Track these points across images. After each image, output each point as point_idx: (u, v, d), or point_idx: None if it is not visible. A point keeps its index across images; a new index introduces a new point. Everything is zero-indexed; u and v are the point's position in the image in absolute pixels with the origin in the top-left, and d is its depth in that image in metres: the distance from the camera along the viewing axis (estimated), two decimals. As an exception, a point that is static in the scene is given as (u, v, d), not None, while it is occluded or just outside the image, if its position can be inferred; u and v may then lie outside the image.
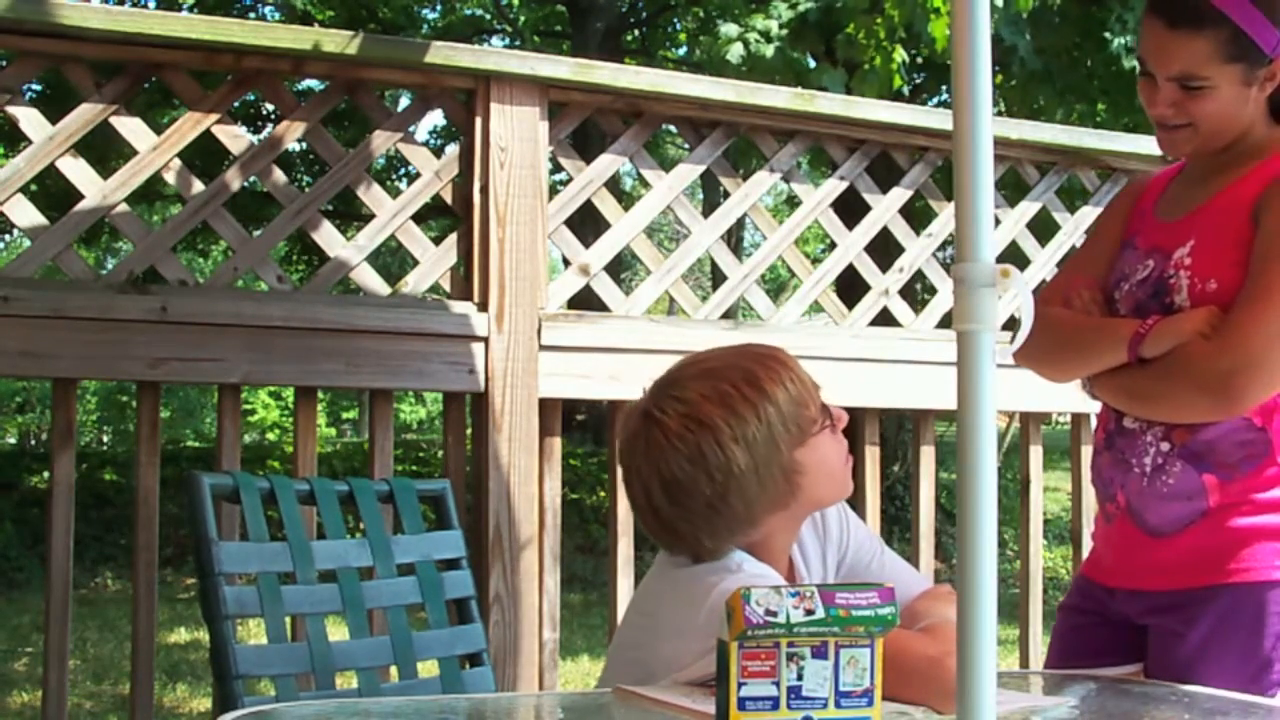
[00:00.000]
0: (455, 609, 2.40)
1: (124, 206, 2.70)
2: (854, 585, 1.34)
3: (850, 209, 3.42)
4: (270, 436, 22.19)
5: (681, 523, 1.69)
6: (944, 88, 11.65)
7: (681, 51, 17.06)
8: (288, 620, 2.27)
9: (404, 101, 3.37)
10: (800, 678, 1.31)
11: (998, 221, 3.48)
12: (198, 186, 2.77)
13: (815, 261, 3.45)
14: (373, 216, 2.92)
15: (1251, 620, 1.84)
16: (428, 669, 2.35)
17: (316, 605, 2.22)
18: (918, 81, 11.27)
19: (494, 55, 3.11)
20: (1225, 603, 1.85)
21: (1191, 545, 1.88)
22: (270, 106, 11.39)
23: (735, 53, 7.89)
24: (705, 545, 1.70)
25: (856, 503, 3.38)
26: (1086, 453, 3.50)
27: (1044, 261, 3.61)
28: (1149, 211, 2.06)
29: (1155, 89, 1.92)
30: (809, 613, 1.29)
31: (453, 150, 3.04)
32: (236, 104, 2.86)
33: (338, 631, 2.30)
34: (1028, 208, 3.63)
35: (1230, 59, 1.87)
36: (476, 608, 2.41)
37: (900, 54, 6.91)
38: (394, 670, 2.31)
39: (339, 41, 2.82)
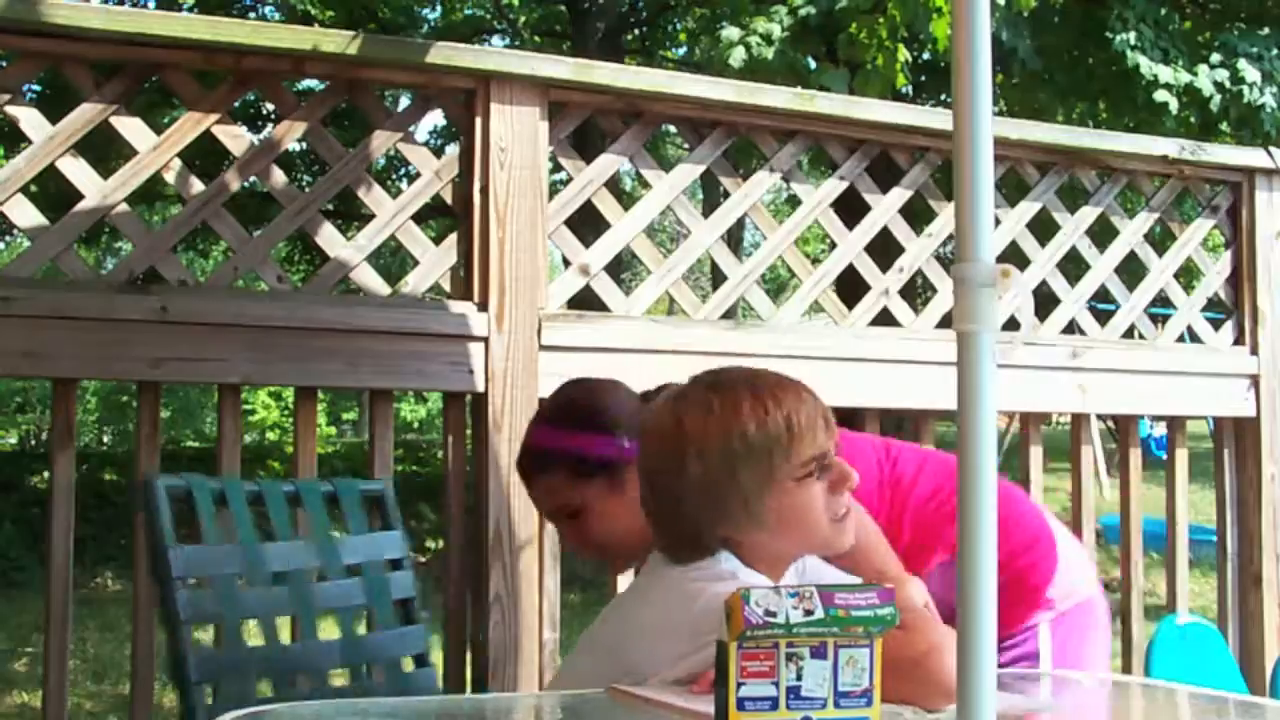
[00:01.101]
0: (401, 610, 2.41)
1: (124, 207, 2.70)
2: (853, 586, 1.34)
3: (850, 209, 3.42)
4: (270, 437, 22.21)
5: (655, 516, 1.75)
6: (946, 88, 11.65)
7: (682, 51, 17.05)
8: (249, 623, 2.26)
9: (404, 102, 3.36)
10: (799, 678, 1.31)
11: (998, 222, 3.48)
12: (198, 186, 2.77)
13: (815, 261, 3.45)
14: (373, 216, 2.92)
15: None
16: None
17: (270, 608, 2.21)
18: (920, 81, 11.27)
19: (494, 55, 3.11)
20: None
21: None
22: (270, 106, 11.39)
23: (737, 56, 7.89)
24: (684, 547, 1.73)
25: (856, 503, 3.38)
26: (1087, 453, 3.51)
27: (1044, 261, 3.61)
28: None
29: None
30: (808, 613, 1.29)
31: (453, 150, 3.04)
32: (237, 104, 2.86)
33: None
34: (1028, 208, 3.63)
35: (582, 481, 2.04)
36: (417, 608, 2.44)
37: (903, 53, 6.90)
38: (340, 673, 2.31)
39: (339, 42, 2.82)
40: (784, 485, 1.69)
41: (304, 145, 3.05)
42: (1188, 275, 3.95)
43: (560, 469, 2.05)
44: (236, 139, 2.80)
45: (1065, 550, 2.21)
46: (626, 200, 3.62)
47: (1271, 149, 3.93)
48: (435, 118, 15.21)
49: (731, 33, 8.07)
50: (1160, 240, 3.93)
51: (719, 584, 1.61)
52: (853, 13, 7.21)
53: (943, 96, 11.80)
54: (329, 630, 2.38)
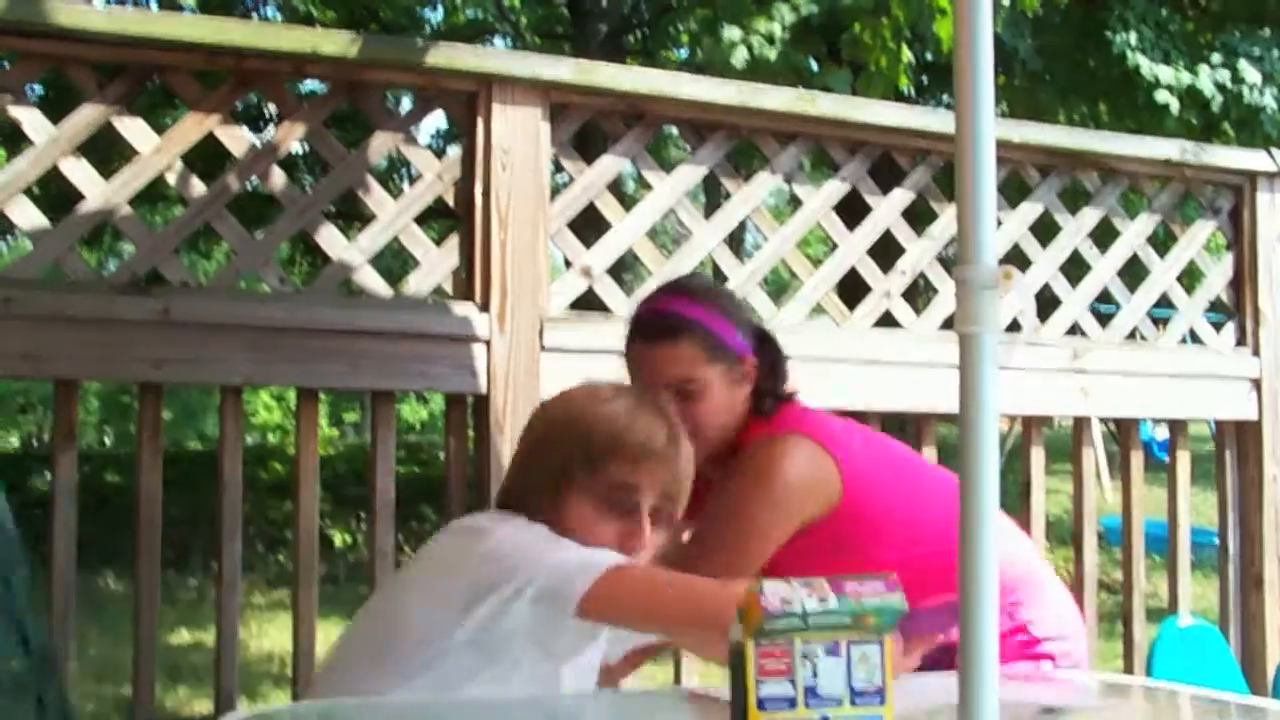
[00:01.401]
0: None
1: (126, 208, 2.70)
2: (859, 576, 1.34)
3: (852, 211, 3.42)
4: (272, 439, 22.19)
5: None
6: (950, 89, 11.64)
7: (683, 53, 17.04)
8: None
9: (406, 103, 3.36)
10: (815, 676, 1.31)
11: (999, 223, 3.47)
12: (200, 188, 2.77)
13: (817, 263, 3.44)
14: (375, 218, 2.92)
15: None
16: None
17: None
18: (923, 82, 11.26)
19: (496, 57, 3.11)
20: None
21: None
22: (272, 108, 11.38)
23: (739, 57, 7.88)
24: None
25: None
26: (1088, 456, 3.50)
27: (1046, 263, 3.61)
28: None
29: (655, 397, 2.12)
30: (822, 601, 1.29)
31: (454, 152, 3.04)
32: (238, 105, 2.86)
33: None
34: (1030, 209, 3.63)
35: (710, 361, 2.10)
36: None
37: (907, 54, 6.89)
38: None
39: (341, 43, 2.82)
40: (581, 495, 1.80)
41: (306, 147, 3.04)
42: (1189, 277, 3.95)
43: (696, 342, 2.07)
44: (238, 140, 2.80)
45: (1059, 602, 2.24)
46: (628, 202, 3.62)
47: (1273, 151, 3.93)
48: (437, 119, 15.22)
49: (733, 33, 8.06)
50: (1162, 242, 3.92)
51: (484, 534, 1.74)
52: (855, 13, 7.19)
53: (945, 97, 11.80)
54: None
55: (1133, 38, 8.13)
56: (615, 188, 3.52)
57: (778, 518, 2.09)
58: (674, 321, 2.10)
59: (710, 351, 2.09)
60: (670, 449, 1.82)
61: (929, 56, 8.86)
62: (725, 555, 2.06)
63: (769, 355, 2.23)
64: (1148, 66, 8.06)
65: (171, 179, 2.76)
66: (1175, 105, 8.03)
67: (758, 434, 2.16)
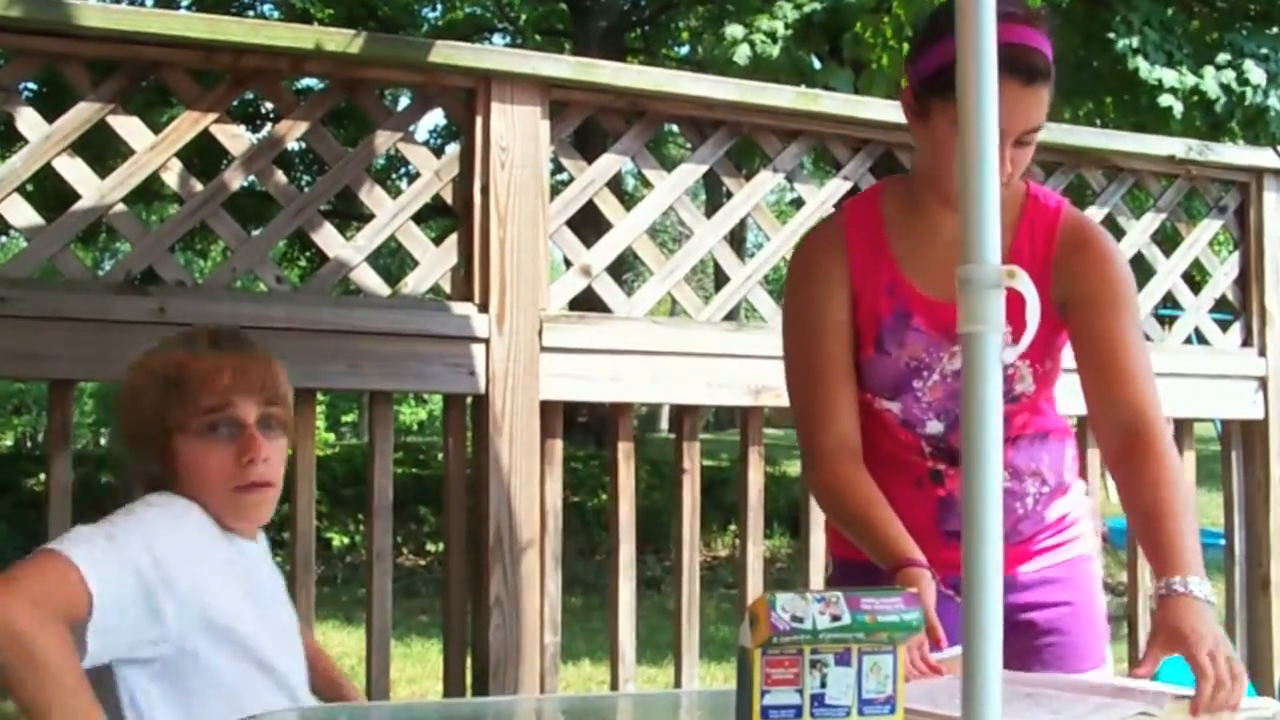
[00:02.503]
0: None
1: (121, 206, 2.69)
2: (878, 591, 1.32)
3: (854, 209, 3.40)
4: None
5: None
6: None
7: (684, 50, 17.06)
8: None
9: (404, 101, 3.34)
10: (823, 685, 1.29)
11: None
12: (196, 186, 2.75)
13: (818, 262, 3.42)
14: (373, 217, 2.90)
15: (1094, 585, 2.11)
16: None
17: None
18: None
19: (495, 54, 3.09)
20: (1073, 577, 2.08)
21: (1034, 539, 2.07)
22: (269, 106, 11.38)
23: (742, 54, 7.88)
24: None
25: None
26: (1093, 456, 3.48)
27: (1049, 262, 3.59)
28: (900, 281, 1.97)
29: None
30: (835, 618, 1.27)
31: (453, 150, 3.02)
32: (235, 103, 2.85)
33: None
34: (1033, 208, 3.61)
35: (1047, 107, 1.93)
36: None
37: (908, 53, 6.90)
38: None
39: (339, 40, 2.80)
40: (186, 434, 1.78)
41: (303, 144, 3.03)
42: (1195, 276, 3.93)
43: (1050, 88, 1.91)
44: (235, 138, 2.78)
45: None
46: (628, 200, 3.61)
47: None
48: (435, 117, 15.23)
49: (735, 30, 8.06)
50: (1167, 241, 3.91)
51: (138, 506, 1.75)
52: (857, 11, 7.20)
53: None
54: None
55: (1135, 40, 8.13)
56: (615, 186, 3.50)
57: None
58: (1045, 64, 1.90)
59: (1050, 98, 1.93)
60: (227, 342, 1.87)
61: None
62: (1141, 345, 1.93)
63: None
64: (1147, 69, 8.05)
65: (167, 177, 2.74)
66: (1179, 108, 8.02)
67: (1045, 201, 1.99)
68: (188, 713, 1.71)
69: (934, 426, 1.99)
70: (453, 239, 2.94)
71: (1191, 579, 1.72)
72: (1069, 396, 2.11)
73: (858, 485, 1.92)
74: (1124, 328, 1.90)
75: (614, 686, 3.10)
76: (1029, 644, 2.02)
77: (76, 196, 2.62)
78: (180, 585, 1.67)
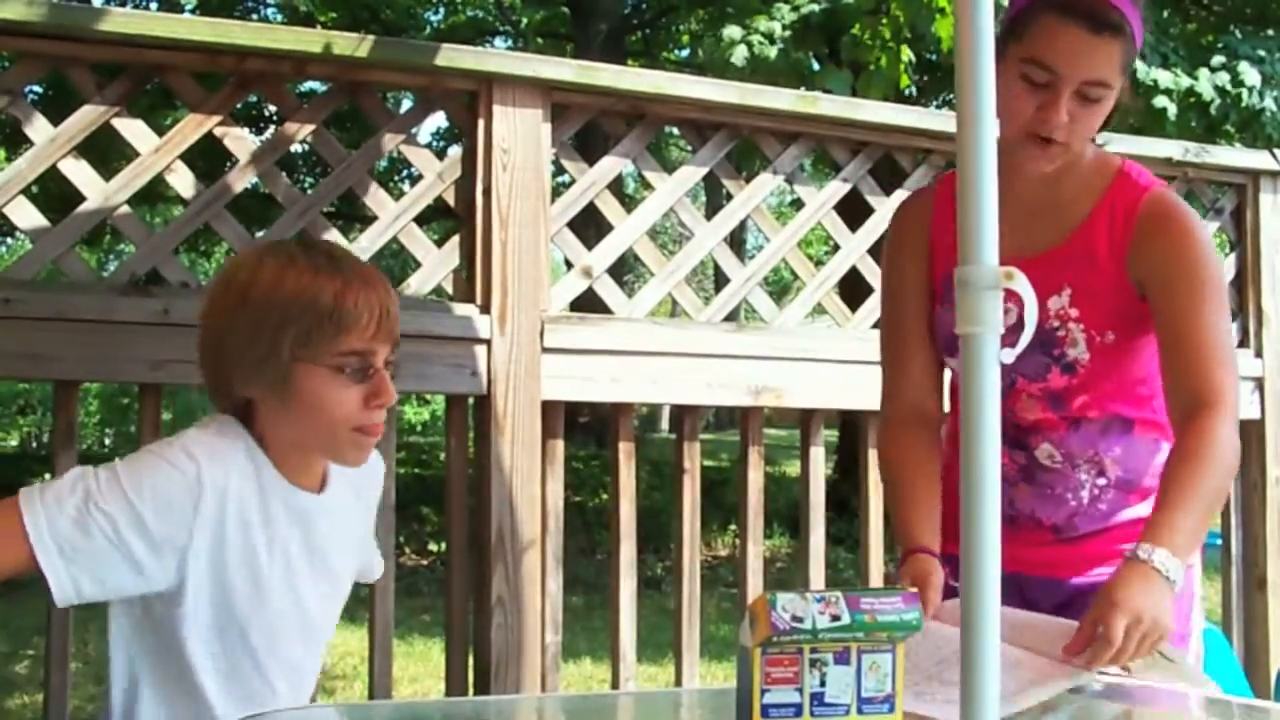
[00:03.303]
0: None
1: (126, 208, 2.70)
2: (878, 590, 1.34)
3: (853, 211, 3.42)
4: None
5: (201, 358, 1.76)
6: (949, 89, 11.63)
7: (684, 54, 17.05)
8: None
9: (406, 104, 3.36)
10: (823, 684, 1.30)
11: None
12: (200, 188, 2.77)
13: (818, 264, 3.44)
14: (375, 219, 2.91)
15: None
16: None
17: None
18: (924, 82, 11.25)
19: (496, 57, 3.11)
20: None
21: (1110, 540, 1.96)
22: (273, 108, 11.39)
23: (739, 55, 7.88)
24: (215, 394, 1.76)
25: (859, 506, 3.38)
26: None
27: (1047, 264, 3.60)
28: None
29: (1053, 98, 1.85)
30: (835, 618, 1.29)
31: (455, 152, 3.03)
32: (239, 106, 2.86)
33: None
34: (1031, 210, 3.62)
35: (1124, 69, 1.88)
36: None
37: (907, 54, 6.90)
38: None
39: (341, 44, 2.81)
40: (314, 366, 1.68)
41: (306, 147, 3.04)
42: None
43: (1123, 45, 1.85)
44: (238, 141, 2.79)
45: None
46: (629, 202, 3.63)
47: (1276, 151, 3.92)
48: (438, 120, 15.22)
49: (734, 31, 8.07)
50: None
51: (181, 448, 1.65)
52: (855, 13, 7.20)
53: (946, 97, 11.79)
54: None
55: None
56: (616, 188, 3.52)
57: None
58: (1118, 18, 1.85)
59: (1126, 60, 1.88)
60: (366, 277, 1.72)
61: (933, 57, 8.85)
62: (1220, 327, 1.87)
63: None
64: (1144, 70, 8.06)
65: (171, 179, 2.75)
66: (1173, 110, 8.02)
67: (1136, 179, 1.98)
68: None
69: None
70: (455, 241, 2.95)
71: (1160, 551, 1.68)
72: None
73: (907, 457, 1.93)
74: (1196, 309, 1.85)
75: (615, 685, 3.11)
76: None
77: (81, 199, 2.64)
78: (165, 538, 1.63)
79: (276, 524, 1.74)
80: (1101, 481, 1.97)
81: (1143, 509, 1.94)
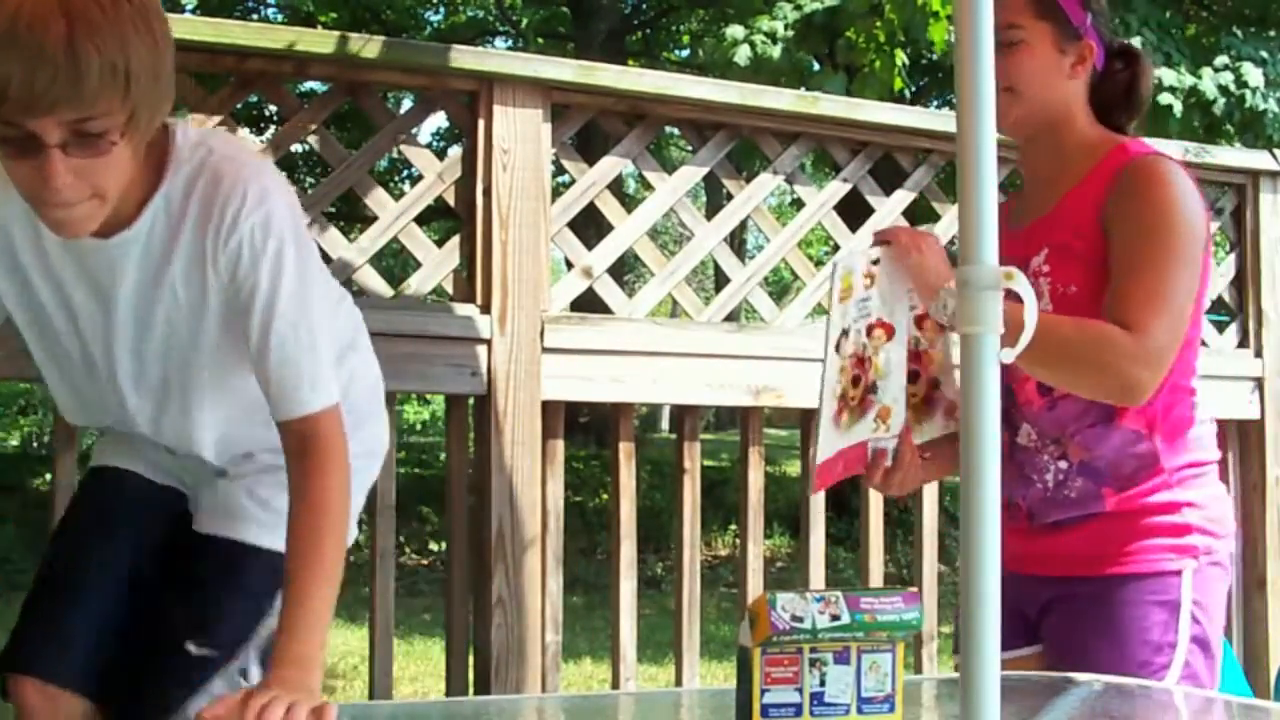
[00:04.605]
0: None
1: (127, 208, 2.69)
2: (878, 590, 1.34)
3: (854, 211, 3.42)
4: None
5: None
6: (946, 91, 11.64)
7: (684, 54, 17.06)
8: None
9: (407, 104, 3.36)
10: (823, 684, 1.30)
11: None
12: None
13: (819, 264, 3.44)
14: (375, 218, 2.91)
15: (1146, 606, 1.93)
16: None
17: None
18: (921, 84, 11.26)
19: (497, 57, 3.11)
20: (1125, 590, 1.94)
21: (1089, 538, 1.96)
22: (273, 108, 11.39)
23: (742, 55, 7.88)
24: None
25: (859, 507, 3.38)
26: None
27: (1047, 264, 3.60)
28: (1004, 230, 2.02)
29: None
30: (834, 618, 1.29)
31: (455, 152, 3.04)
32: (239, 106, 2.86)
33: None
34: (1031, 210, 3.62)
35: (1040, 15, 1.93)
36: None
37: (901, 57, 6.90)
38: None
39: (343, 44, 2.81)
40: None
41: (307, 147, 3.04)
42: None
43: None
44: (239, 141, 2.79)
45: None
46: (629, 202, 3.63)
47: (1276, 151, 3.93)
48: (438, 120, 15.21)
49: (736, 31, 8.07)
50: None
51: None
52: (850, 16, 7.20)
53: (944, 98, 11.79)
54: None
55: (1137, 41, 8.14)
56: (616, 188, 3.52)
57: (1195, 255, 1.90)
58: None
59: (1040, 4, 1.94)
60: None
61: (932, 57, 8.85)
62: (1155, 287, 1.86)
63: (1128, 69, 2.04)
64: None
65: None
66: (1178, 107, 8.03)
67: (1132, 150, 1.98)
68: None
69: None
70: (455, 241, 2.95)
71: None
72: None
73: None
74: (1146, 252, 1.86)
75: (615, 685, 3.11)
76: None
77: (82, 198, 2.63)
78: None
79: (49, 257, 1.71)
80: (1063, 465, 1.97)
81: (1123, 506, 1.94)
